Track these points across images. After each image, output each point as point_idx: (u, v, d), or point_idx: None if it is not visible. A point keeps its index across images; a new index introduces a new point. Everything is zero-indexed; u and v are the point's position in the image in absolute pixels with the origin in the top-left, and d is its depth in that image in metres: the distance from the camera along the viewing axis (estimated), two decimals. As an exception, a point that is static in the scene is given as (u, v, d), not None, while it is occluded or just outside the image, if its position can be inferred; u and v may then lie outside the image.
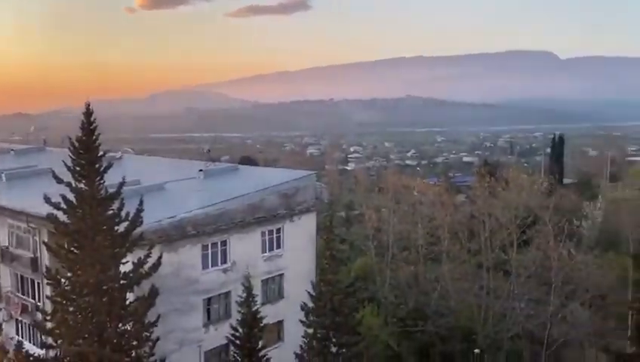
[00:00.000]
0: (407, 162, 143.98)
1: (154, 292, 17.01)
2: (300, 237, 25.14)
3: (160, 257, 17.62)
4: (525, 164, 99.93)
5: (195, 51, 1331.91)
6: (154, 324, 17.00)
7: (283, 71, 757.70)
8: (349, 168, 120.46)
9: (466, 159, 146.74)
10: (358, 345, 18.41)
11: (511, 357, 30.45)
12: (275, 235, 24.72)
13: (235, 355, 19.57)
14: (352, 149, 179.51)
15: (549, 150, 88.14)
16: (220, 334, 21.44)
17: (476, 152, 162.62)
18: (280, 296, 24.74)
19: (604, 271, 31.74)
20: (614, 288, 31.80)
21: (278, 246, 24.75)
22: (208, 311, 22.19)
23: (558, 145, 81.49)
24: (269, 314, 22.11)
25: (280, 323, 24.38)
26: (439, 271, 37.91)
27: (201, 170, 27.21)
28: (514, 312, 31.94)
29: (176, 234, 20.62)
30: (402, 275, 39.99)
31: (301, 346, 19.38)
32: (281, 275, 24.70)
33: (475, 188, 39.70)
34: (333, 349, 18.61)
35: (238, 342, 19.19)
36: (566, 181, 76.69)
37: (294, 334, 21.15)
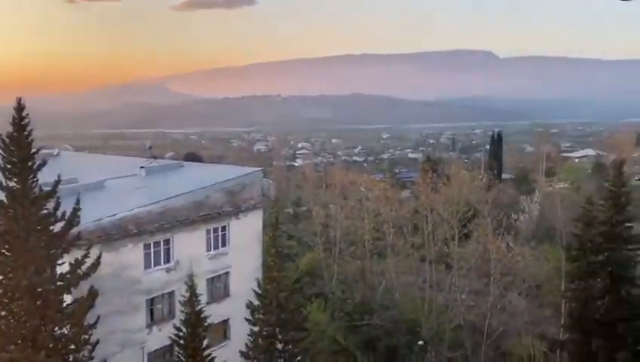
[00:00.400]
0: (355, 158, 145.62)
1: (93, 294, 16.45)
2: (246, 234, 24.90)
3: (99, 257, 17.04)
4: (466, 160, 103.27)
5: (138, 45, 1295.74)
6: (93, 326, 16.45)
7: (228, 66, 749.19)
8: (296, 164, 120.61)
9: (411, 155, 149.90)
10: (304, 341, 18.48)
11: (453, 347, 31.39)
12: (220, 233, 24.37)
13: (179, 355, 19.24)
14: (300, 146, 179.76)
15: (488, 147, 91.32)
16: (163, 335, 20.97)
17: (420, 149, 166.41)
18: (226, 294, 24.43)
19: (540, 262, 33.19)
20: (549, 278, 33.31)
21: (224, 245, 24.41)
22: (151, 312, 21.62)
23: (496, 141, 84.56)
24: (215, 313, 21.82)
25: (226, 321, 24.09)
26: (385, 265, 38.71)
27: (142, 167, 26.49)
28: (456, 304, 32.94)
29: (116, 234, 19.98)
30: (349, 270, 40.55)
31: (246, 344, 19.25)
32: (226, 273, 24.38)
33: (419, 184, 40.63)
34: (279, 346, 18.59)
35: (181, 342, 18.86)
36: (504, 176, 79.74)
37: (241, 332, 20.98)
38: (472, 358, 30.28)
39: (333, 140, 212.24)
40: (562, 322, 26.53)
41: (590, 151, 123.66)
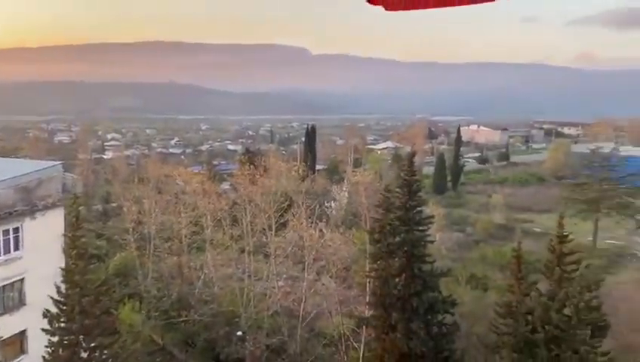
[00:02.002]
0: (171, 150, 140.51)
1: None
2: (44, 236, 22.49)
3: None
4: (283, 152, 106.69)
5: None
6: None
7: (20, 47, 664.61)
8: (106, 157, 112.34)
9: (230, 147, 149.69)
10: (113, 345, 17.34)
11: (271, 334, 32.31)
12: (12, 235, 21.70)
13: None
14: (109, 137, 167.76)
15: (303, 139, 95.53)
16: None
17: (240, 140, 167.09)
18: (21, 303, 21.89)
19: (348, 246, 35.74)
20: (356, 260, 36.09)
21: (17, 248, 21.79)
22: None
23: (310, 134, 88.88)
24: (9, 325, 19.62)
25: (22, 333, 21.60)
26: (203, 259, 38.20)
27: None
28: (273, 291, 33.91)
29: None
30: (165, 267, 39.20)
31: (44, 357, 17.43)
32: (21, 280, 21.83)
33: (237, 176, 40.82)
34: (84, 354, 17.19)
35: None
36: (318, 167, 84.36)
37: (41, 344, 18.97)
38: (289, 342, 31.51)
39: (147, 131, 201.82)
40: (367, 300, 28.95)
41: (390, 144, 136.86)
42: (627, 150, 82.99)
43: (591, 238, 54.79)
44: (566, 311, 19.91)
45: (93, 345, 16.91)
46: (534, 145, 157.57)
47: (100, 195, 64.43)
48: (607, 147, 74.46)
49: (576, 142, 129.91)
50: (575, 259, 20.98)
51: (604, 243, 55.75)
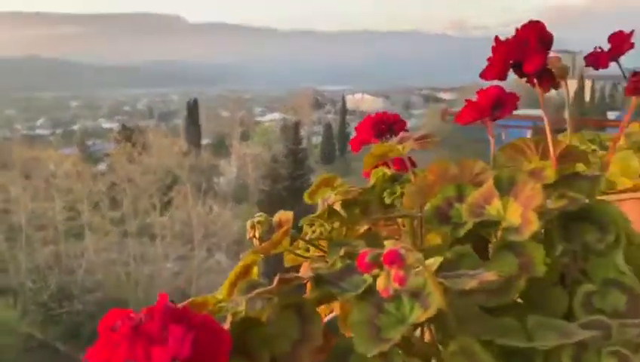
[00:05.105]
0: (38, 132, 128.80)
1: None
2: None
3: None
4: (164, 128, 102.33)
5: None
6: None
7: None
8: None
9: (105, 125, 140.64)
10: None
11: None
12: None
13: None
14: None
15: (185, 113, 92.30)
16: None
17: (116, 117, 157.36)
18: None
19: (238, 220, 35.54)
20: (245, 234, 36.06)
21: None
22: None
23: (193, 108, 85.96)
24: None
25: None
26: (83, 246, 36.04)
27: None
28: (162, 273, 32.98)
29: None
30: (41, 257, 36.52)
31: None
32: None
33: (114, 155, 38.75)
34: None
35: None
36: (204, 142, 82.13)
37: None
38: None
39: (7, 111, 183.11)
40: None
41: (277, 115, 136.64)
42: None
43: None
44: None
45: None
46: (414, 111, 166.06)
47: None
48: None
49: (453, 107, 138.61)
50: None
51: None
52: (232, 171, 59.24)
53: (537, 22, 0.79)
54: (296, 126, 28.19)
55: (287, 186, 25.35)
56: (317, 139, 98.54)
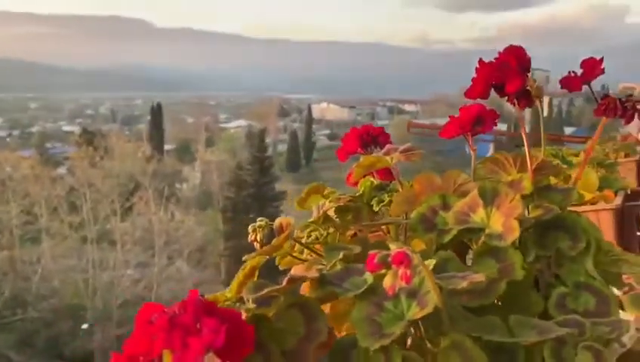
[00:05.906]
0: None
1: None
2: None
3: None
4: (127, 132, 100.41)
5: None
6: None
7: None
8: None
9: (65, 128, 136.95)
10: None
11: (121, 324, 30.70)
12: None
13: None
14: None
15: (149, 118, 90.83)
16: None
17: (77, 121, 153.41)
18: None
19: (201, 227, 35.10)
20: (210, 241, 35.60)
21: None
22: None
23: (157, 112, 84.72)
24: None
25: None
26: (40, 252, 34.88)
27: None
28: (122, 280, 32.21)
29: None
30: (-6, 263, 35.16)
31: None
32: None
33: (74, 159, 37.83)
34: None
35: None
36: (167, 147, 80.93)
37: None
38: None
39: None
40: (222, 278, 28.83)
41: (243, 122, 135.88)
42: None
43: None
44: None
45: None
46: (379, 122, 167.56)
47: None
48: (442, 122, 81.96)
49: (415, 118, 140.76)
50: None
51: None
52: (196, 177, 58.45)
53: (518, 47, 0.87)
54: (262, 133, 28.14)
55: (252, 193, 25.23)
56: (282, 147, 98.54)
